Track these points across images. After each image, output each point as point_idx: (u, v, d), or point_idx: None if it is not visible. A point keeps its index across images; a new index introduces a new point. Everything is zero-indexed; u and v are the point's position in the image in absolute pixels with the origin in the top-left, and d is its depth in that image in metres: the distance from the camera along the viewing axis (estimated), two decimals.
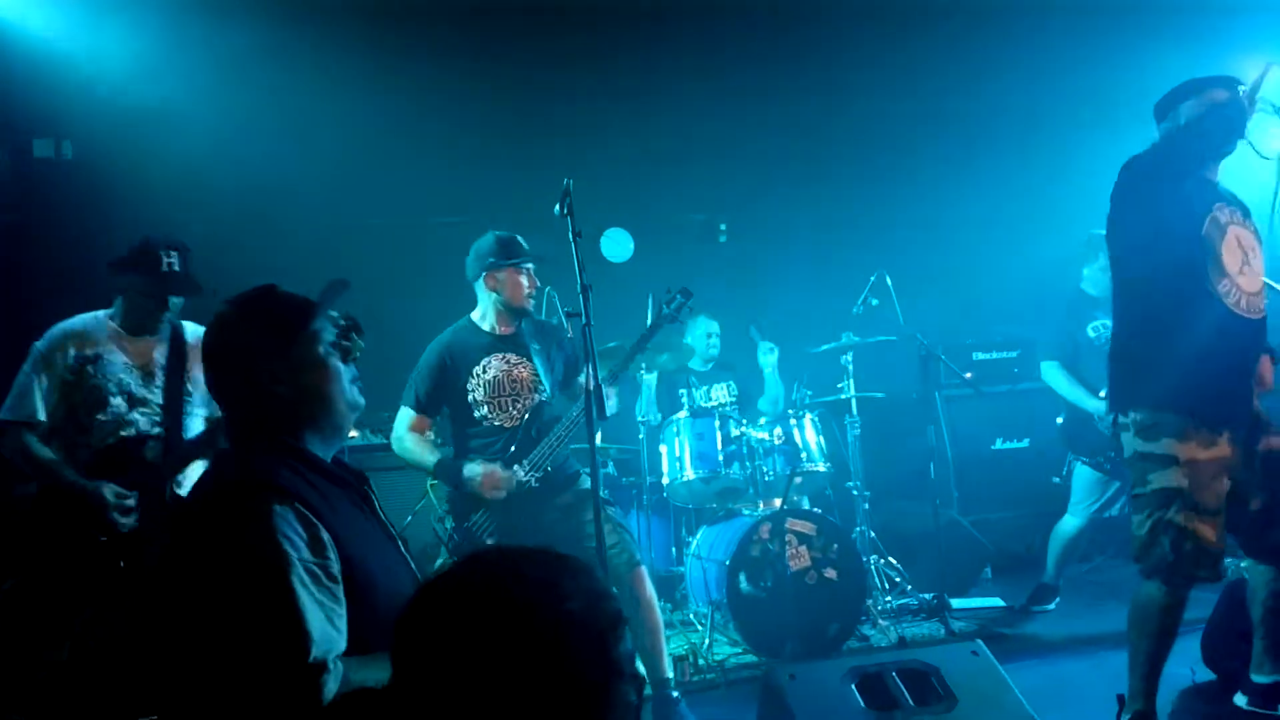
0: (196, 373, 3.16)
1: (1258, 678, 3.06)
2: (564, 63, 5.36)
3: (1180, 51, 4.38)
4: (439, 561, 3.65)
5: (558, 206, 3.05)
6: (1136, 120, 3.88)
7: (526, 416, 3.61)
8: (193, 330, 3.30)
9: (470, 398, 3.63)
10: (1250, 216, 3.04)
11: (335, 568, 1.67)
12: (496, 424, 3.62)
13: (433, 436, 3.80)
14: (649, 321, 4.36)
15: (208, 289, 3.10)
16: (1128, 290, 3.10)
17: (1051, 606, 4.76)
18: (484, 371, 3.64)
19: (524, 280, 3.66)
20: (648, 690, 3.36)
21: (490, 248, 3.66)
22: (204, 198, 4.90)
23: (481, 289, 3.71)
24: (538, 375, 3.68)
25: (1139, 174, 2.97)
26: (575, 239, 3.02)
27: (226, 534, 1.63)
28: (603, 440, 4.88)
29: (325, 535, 1.68)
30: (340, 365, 1.88)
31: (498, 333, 3.71)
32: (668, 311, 3.76)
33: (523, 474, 3.52)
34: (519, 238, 3.68)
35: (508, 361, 3.67)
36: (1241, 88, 2.96)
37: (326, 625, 1.61)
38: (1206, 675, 3.37)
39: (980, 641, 2.98)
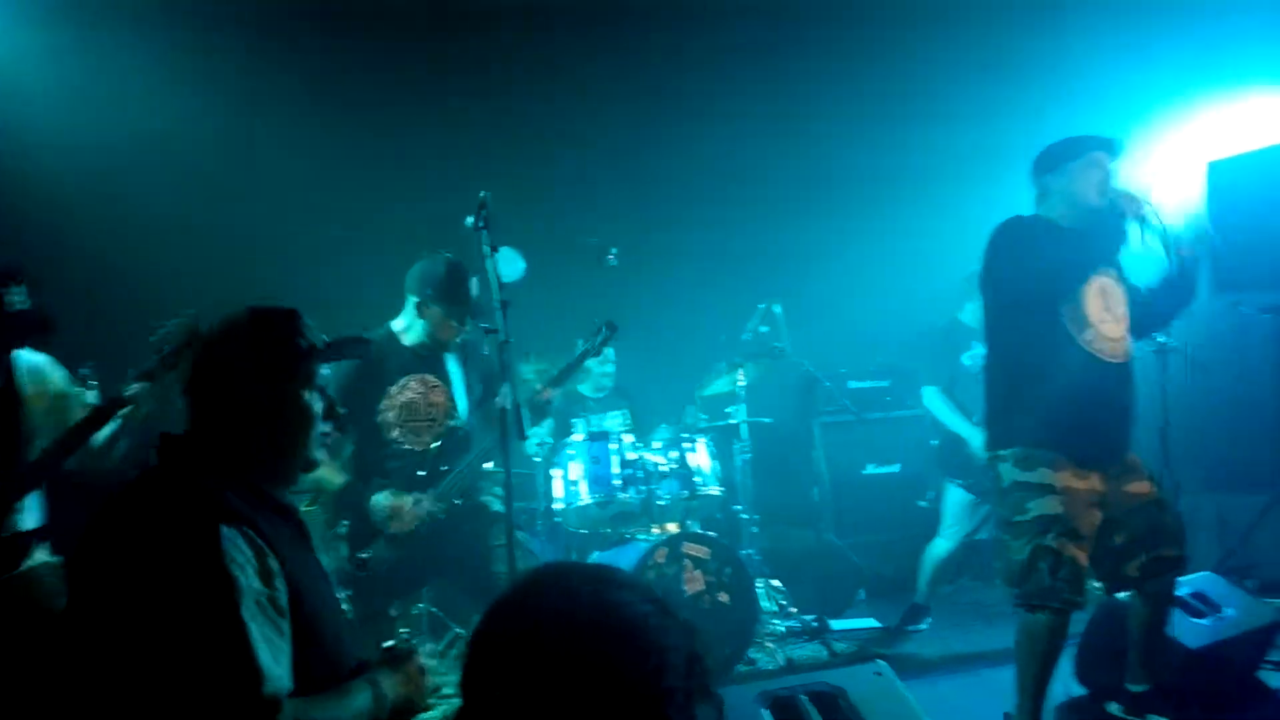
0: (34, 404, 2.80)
1: (1131, 687, 3.28)
2: (461, 81, 5.28)
3: (1059, 105, 4.72)
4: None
5: (471, 219, 2.97)
6: (1010, 168, 4.19)
7: (438, 443, 3.50)
8: (26, 361, 2.84)
9: (381, 418, 3.47)
10: (1114, 265, 3.28)
11: (283, 599, 1.58)
12: (406, 448, 3.48)
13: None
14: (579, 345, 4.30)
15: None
16: (999, 336, 3.29)
17: (924, 626, 4.96)
18: (400, 392, 3.50)
19: (455, 324, 3.54)
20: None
21: (436, 283, 3.48)
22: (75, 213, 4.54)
23: (411, 308, 3.55)
24: (453, 400, 3.58)
25: (1015, 232, 3.17)
26: (492, 253, 2.97)
27: (167, 556, 1.50)
28: (496, 464, 4.79)
29: (274, 564, 1.58)
30: (319, 415, 1.79)
31: (418, 351, 3.57)
32: (593, 344, 3.74)
33: (429, 504, 3.41)
34: (472, 282, 3.52)
35: (425, 384, 3.55)
36: (1117, 166, 3.20)
37: (273, 660, 1.50)
38: (1079, 690, 3.57)
39: (883, 662, 3.06)
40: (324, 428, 1.81)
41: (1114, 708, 3.33)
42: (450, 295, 3.48)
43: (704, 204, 6.04)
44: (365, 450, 3.49)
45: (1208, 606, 3.53)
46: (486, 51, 5.19)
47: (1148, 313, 3.34)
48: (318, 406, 1.78)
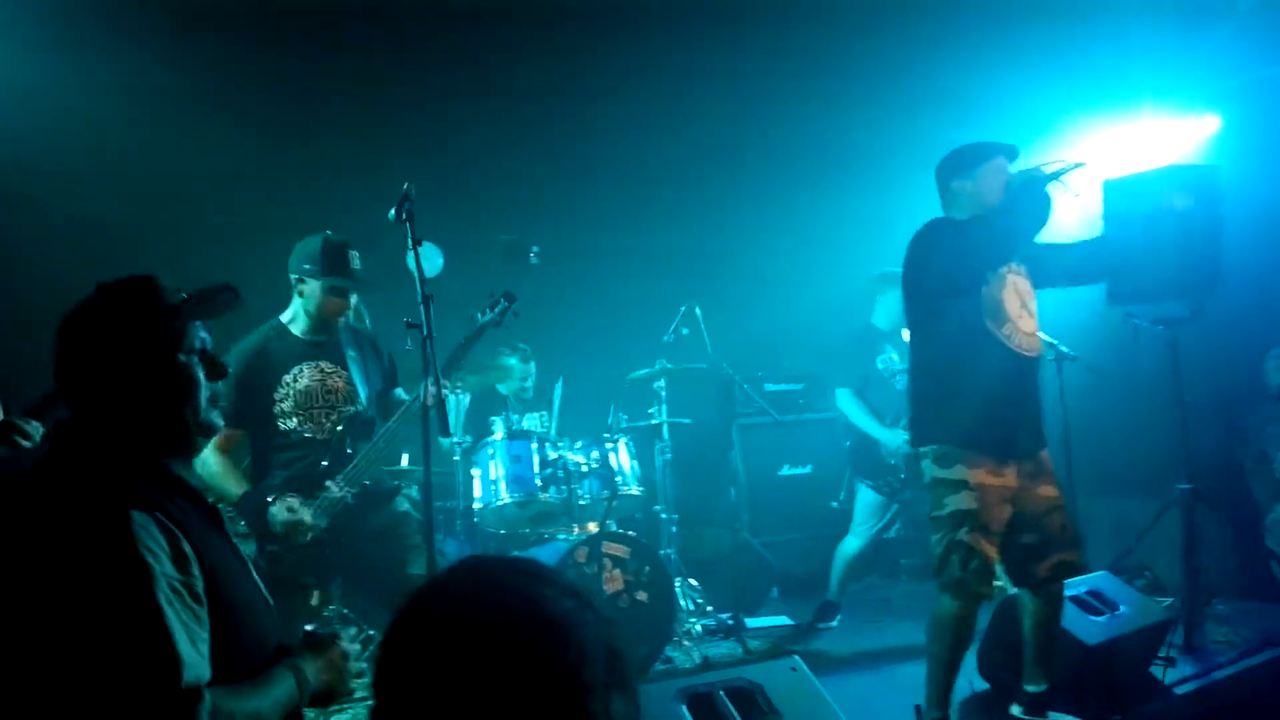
0: None
1: (1029, 687, 3.41)
2: (378, 74, 5.16)
3: (965, 118, 4.87)
4: None
5: (392, 211, 2.88)
6: (917, 177, 4.32)
7: (340, 428, 3.41)
8: None
9: (278, 408, 3.37)
10: (1024, 265, 3.42)
11: (199, 586, 1.53)
12: (307, 436, 3.38)
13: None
14: (476, 325, 4.20)
15: None
16: (921, 335, 3.41)
17: (835, 623, 5.08)
18: (295, 380, 3.39)
19: (337, 300, 3.42)
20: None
21: (313, 254, 3.37)
22: None
23: (295, 290, 3.45)
24: (353, 385, 3.47)
25: (936, 236, 3.28)
26: (415, 246, 2.90)
27: (76, 545, 1.43)
28: (410, 462, 4.72)
29: (188, 549, 1.53)
30: (201, 378, 1.71)
31: (310, 339, 3.46)
32: (491, 316, 3.47)
33: (337, 490, 3.31)
34: (352, 254, 3.42)
35: (321, 370, 3.44)
36: (1030, 163, 3.33)
37: (192, 648, 1.46)
38: (982, 685, 3.71)
39: (798, 658, 3.12)
40: (211, 388, 1.73)
41: (1015, 709, 3.45)
42: (327, 267, 3.36)
43: (625, 205, 6.07)
44: (263, 446, 3.38)
45: (1104, 604, 3.70)
46: (404, 44, 5.09)
47: (1090, 258, 3.47)
48: (196, 367, 1.70)
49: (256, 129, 5.07)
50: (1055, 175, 3.21)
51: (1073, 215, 3.51)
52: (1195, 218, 4.16)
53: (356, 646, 1.88)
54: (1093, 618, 3.62)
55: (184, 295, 1.70)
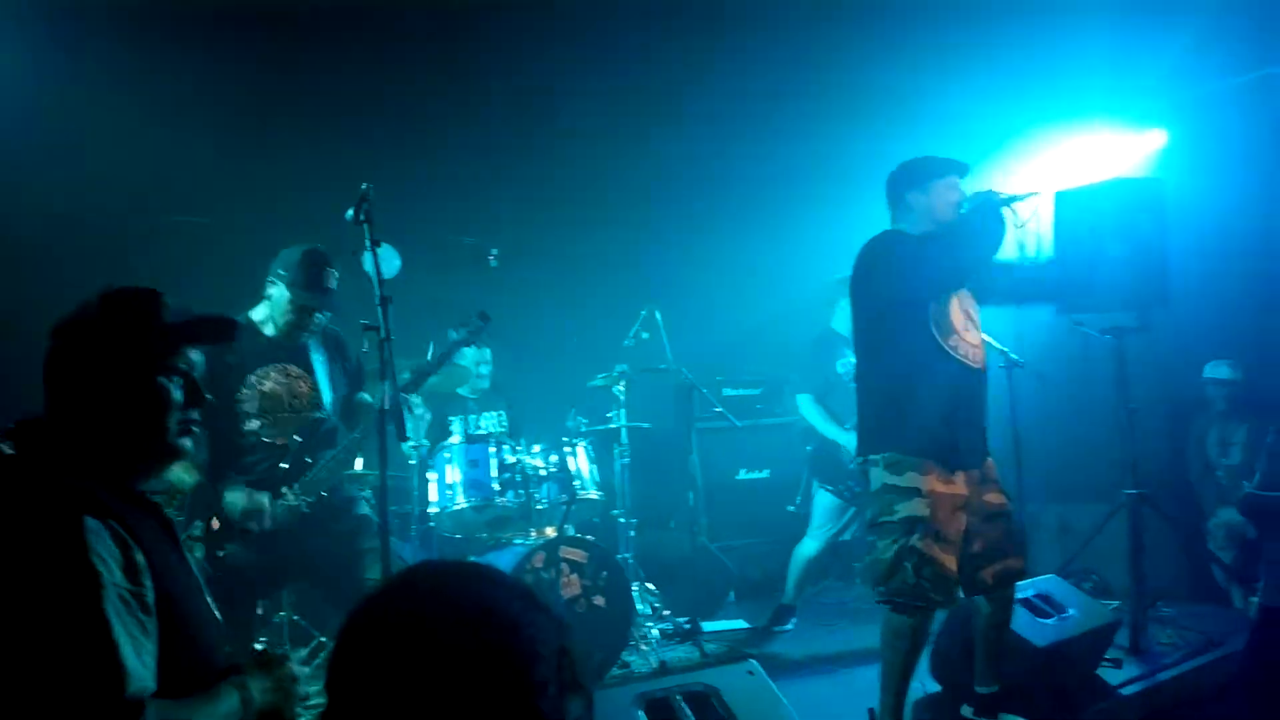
0: None
1: (980, 689, 3.46)
2: (338, 74, 5.11)
3: (920, 128, 4.95)
4: None
5: (350, 211, 2.86)
6: (871, 188, 4.38)
7: (302, 435, 3.36)
8: None
9: (240, 408, 3.31)
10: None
11: (150, 597, 1.52)
12: (267, 440, 3.33)
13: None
14: (431, 347, 4.20)
15: None
16: (871, 346, 3.43)
17: (790, 626, 5.12)
18: (260, 382, 3.34)
19: (304, 313, 3.40)
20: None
21: (290, 266, 3.35)
22: None
23: (271, 295, 3.41)
24: (318, 391, 3.44)
25: (887, 248, 3.33)
26: (374, 247, 2.88)
27: (26, 548, 1.42)
28: (365, 466, 4.67)
29: (140, 559, 1.52)
30: (177, 402, 1.71)
31: (279, 340, 3.42)
32: (464, 335, 3.62)
33: (293, 498, 3.28)
34: (329, 273, 3.40)
35: (288, 374, 3.40)
36: (982, 184, 3.40)
37: (137, 660, 1.45)
38: (934, 687, 3.75)
39: (754, 662, 3.14)
40: (187, 415, 1.73)
41: (967, 710, 3.51)
42: (301, 280, 3.35)
43: (586, 209, 6.06)
44: (222, 445, 3.32)
45: (1052, 607, 3.77)
46: (367, 45, 5.05)
47: (1035, 281, 3.58)
48: (176, 392, 1.70)
49: (218, 129, 5.00)
50: (1009, 200, 3.28)
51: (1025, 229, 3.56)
52: (1142, 230, 4.28)
53: (306, 670, 1.87)
54: (1041, 620, 3.69)
55: (181, 320, 1.71)
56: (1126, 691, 3.82)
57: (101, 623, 1.41)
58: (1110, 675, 3.92)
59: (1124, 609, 4.31)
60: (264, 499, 3.20)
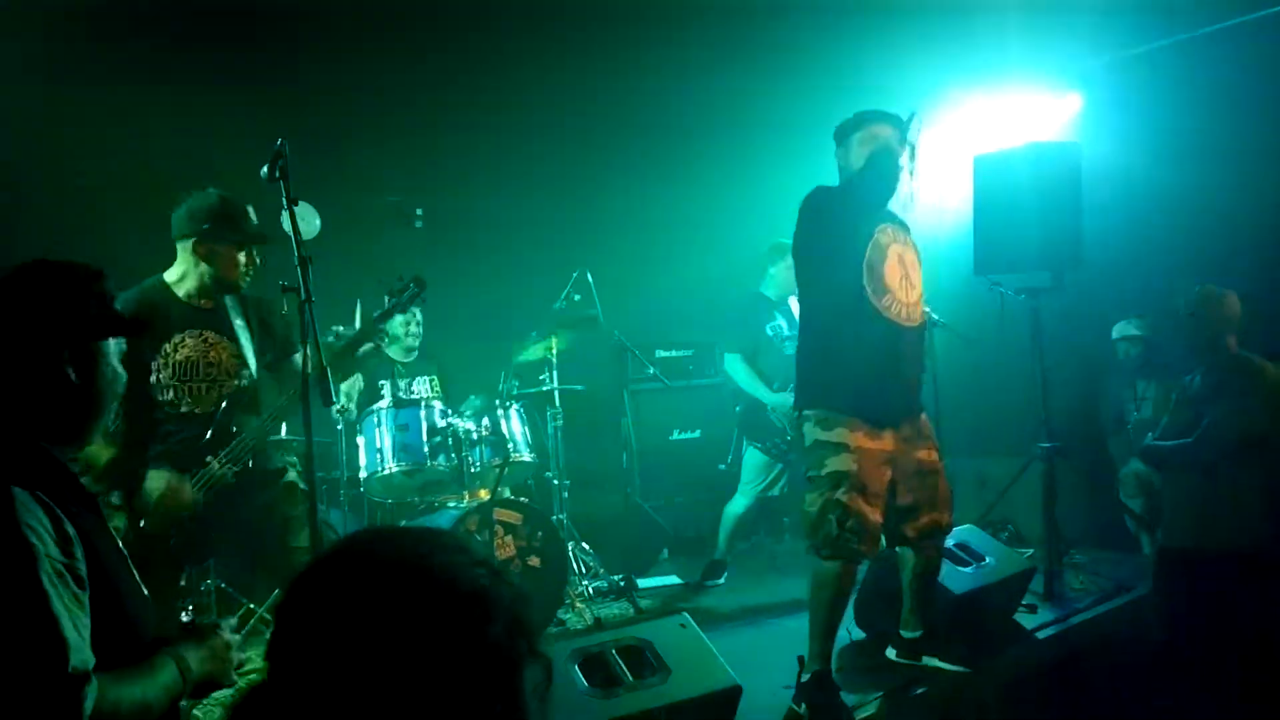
0: None
1: (905, 633, 3.61)
2: (250, 22, 4.92)
3: (865, 86, 4.98)
4: None
5: (265, 169, 2.72)
6: (801, 149, 4.42)
7: (224, 404, 3.25)
8: None
9: (154, 378, 3.17)
10: (910, 233, 3.54)
11: (82, 569, 1.49)
12: (184, 410, 3.20)
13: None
14: (358, 313, 4.11)
15: None
16: (808, 305, 3.51)
17: (722, 581, 5.23)
18: (175, 350, 3.21)
19: (241, 257, 3.27)
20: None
21: (209, 213, 3.20)
22: None
23: (187, 253, 3.25)
24: (240, 357, 3.32)
25: (820, 203, 3.37)
26: (291, 205, 2.78)
27: None
28: (289, 432, 4.59)
29: (71, 531, 1.50)
30: (122, 378, 1.72)
31: (196, 304, 3.28)
32: (399, 301, 3.49)
33: (218, 466, 3.20)
34: (249, 208, 3.28)
35: (205, 340, 3.26)
36: (897, 129, 3.46)
37: (75, 633, 1.43)
38: (859, 634, 3.90)
39: (686, 614, 3.21)
40: (113, 389, 1.73)
41: (891, 653, 3.65)
42: (228, 224, 3.23)
43: (515, 168, 5.98)
44: (136, 413, 3.17)
45: (970, 556, 3.93)
46: None
47: None
48: (123, 373, 1.72)
49: (124, 83, 4.76)
50: (903, 139, 3.34)
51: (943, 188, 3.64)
52: (1058, 193, 4.42)
53: (238, 637, 1.87)
54: (960, 568, 3.84)
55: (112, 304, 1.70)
56: (1042, 635, 4.01)
57: (40, 595, 1.38)
58: (1026, 620, 4.10)
59: (1039, 557, 4.49)
60: (185, 487, 3.08)
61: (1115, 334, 5.93)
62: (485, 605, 0.96)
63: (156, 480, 3.04)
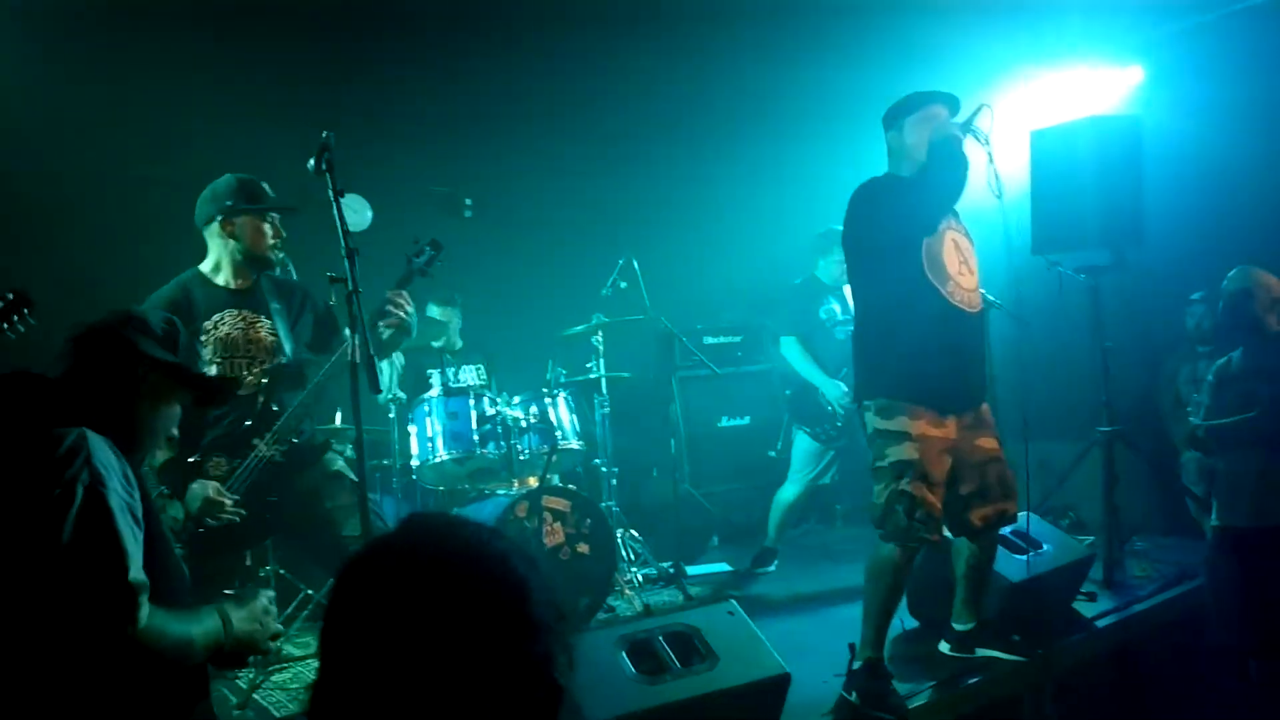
0: None
1: (958, 626, 3.54)
2: (300, 17, 4.97)
3: (901, 70, 4.88)
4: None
5: (312, 161, 2.75)
6: (853, 131, 4.33)
7: (265, 381, 3.30)
8: None
9: (199, 354, 3.27)
10: (961, 219, 3.46)
11: (139, 510, 1.64)
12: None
13: None
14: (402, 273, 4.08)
15: None
16: (864, 294, 3.43)
17: (772, 568, 5.20)
18: (216, 327, 3.28)
19: (267, 228, 3.34)
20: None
21: (229, 190, 3.30)
22: None
23: (215, 236, 3.34)
24: (277, 337, 3.36)
25: (875, 195, 3.30)
26: (337, 197, 2.81)
27: (34, 452, 1.56)
28: (343, 420, 4.65)
29: (132, 476, 1.67)
30: (175, 414, 1.94)
31: (233, 287, 3.36)
32: (417, 264, 3.41)
33: (265, 449, 3.24)
34: (264, 184, 3.35)
35: (244, 318, 3.33)
36: (951, 110, 3.37)
37: (136, 549, 1.58)
38: (912, 623, 3.83)
39: (734, 602, 3.18)
40: (171, 426, 2.00)
41: (944, 646, 3.58)
42: (245, 194, 3.31)
43: (562, 156, 5.97)
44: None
45: (1027, 543, 3.83)
46: None
47: None
48: (174, 407, 1.96)
49: (170, 77, 4.85)
50: (966, 127, 3.25)
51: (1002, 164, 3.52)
52: (1118, 168, 4.28)
53: (274, 608, 1.95)
54: (1017, 556, 3.75)
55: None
56: (1101, 624, 3.92)
57: (106, 513, 1.53)
58: (1085, 608, 4.01)
59: (1099, 544, 4.39)
60: (226, 500, 3.12)
61: (1191, 308, 5.69)
62: (529, 593, 0.98)
63: (199, 491, 3.08)
